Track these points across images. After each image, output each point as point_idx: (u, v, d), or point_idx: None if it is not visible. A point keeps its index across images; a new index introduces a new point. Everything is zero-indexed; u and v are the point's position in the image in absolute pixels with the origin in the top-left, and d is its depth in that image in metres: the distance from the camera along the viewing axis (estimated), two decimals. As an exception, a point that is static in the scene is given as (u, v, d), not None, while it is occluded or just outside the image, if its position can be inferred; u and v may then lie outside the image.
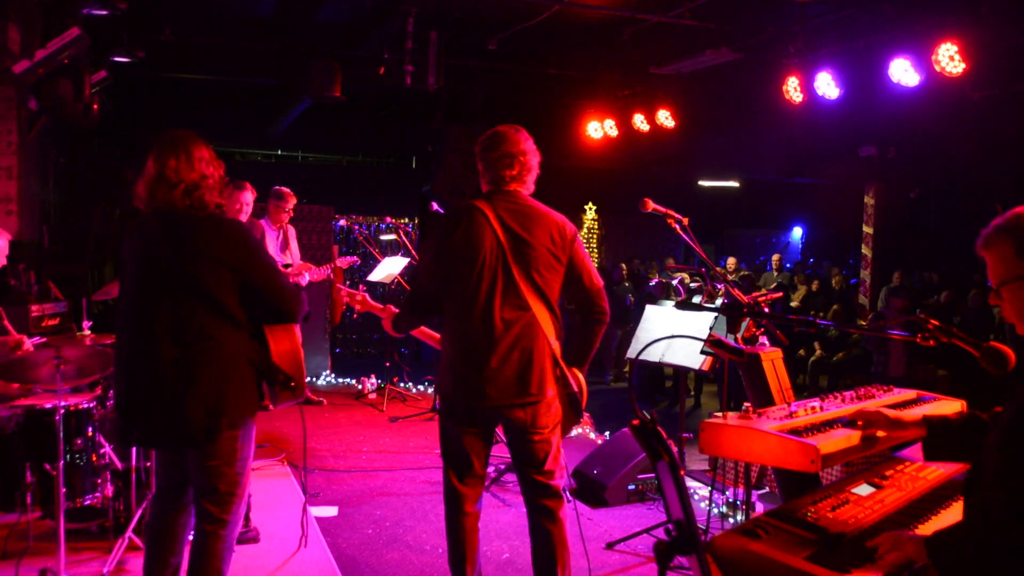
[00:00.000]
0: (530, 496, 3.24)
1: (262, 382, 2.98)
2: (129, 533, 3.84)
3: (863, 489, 2.54)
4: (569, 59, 9.22)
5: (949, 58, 5.84)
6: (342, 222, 11.19)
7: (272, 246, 7.14)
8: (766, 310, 3.89)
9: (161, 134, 2.94)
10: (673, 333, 4.83)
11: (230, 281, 2.84)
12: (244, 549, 4.13)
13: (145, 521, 3.50)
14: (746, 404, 3.17)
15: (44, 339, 4.29)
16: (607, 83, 9.50)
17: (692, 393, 8.83)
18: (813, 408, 2.95)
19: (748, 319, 3.80)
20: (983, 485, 1.93)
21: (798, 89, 6.97)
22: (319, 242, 10.05)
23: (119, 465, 4.08)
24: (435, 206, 8.11)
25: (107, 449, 4.08)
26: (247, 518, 4.26)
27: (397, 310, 3.49)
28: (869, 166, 11.38)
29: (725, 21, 7.27)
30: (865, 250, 11.40)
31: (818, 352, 9.17)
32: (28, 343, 3.93)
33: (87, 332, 4.61)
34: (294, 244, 7.34)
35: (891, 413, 2.58)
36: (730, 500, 4.83)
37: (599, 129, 9.72)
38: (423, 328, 3.59)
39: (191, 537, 3.01)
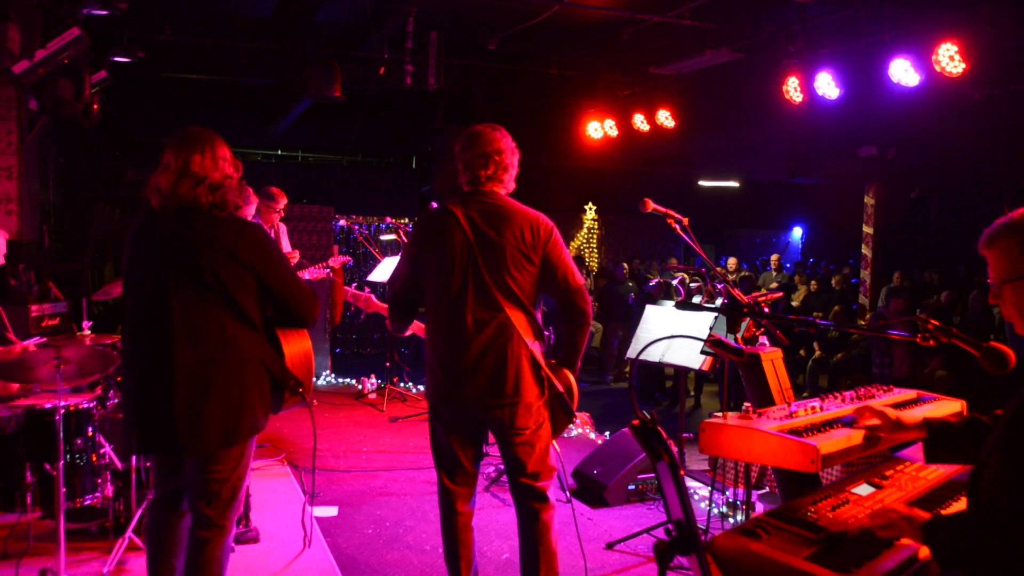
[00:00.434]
0: (516, 499, 3.24)
1: (274, 388, 2.92)
2: (129, 533, 3.84)
3: (863, 489, 2.54)
4: (569, 59, 9.23)
5: (949, 58, 5.85)
6: (342, 222, 11.19)
7: None
8: (766, 310, 3.89)
9: (182, 129, 2.86)
10: (673, 333, 4.83)
11: (250, 283, 2.78)
12: (244, 549, 4.13)
13: (145, 522, 3.48)
14: (746, 404, 3.18)
15: (44, 339, 4.29)
16: (607, 83, 9.51)
17: (692, 393, 8.83)
18: (813, 408, 2.95)
19: (748, 319, 3.79)
20: (984, 484, 1.93)
21: (798, 89, 6.98)
22: (319, 242, 10.05)
23: (119, 465, 4.08)
24: (435, 206, 8.09)
25: (107, 449, 4.09)
26: (247, 518, 4.26)
27: None
28: (869, 166, 11.38)
29: (725, 21, 7.28)
30: (865, 250, 11.41)
31: (817, 352, 9.17)
32: (29, 343, 3.92)
33: (87, 332, 4.60)
34: (286, 242, 7.36)
35: (893, 414, 2.56)
36: (730, 500, 4.82)
37: (599, 129, 9.72)
38: (419, 324, 3.59)
39: (188, 544, 2.96)
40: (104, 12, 5.92)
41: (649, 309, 5.40)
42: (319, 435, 6.71)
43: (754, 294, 4.13)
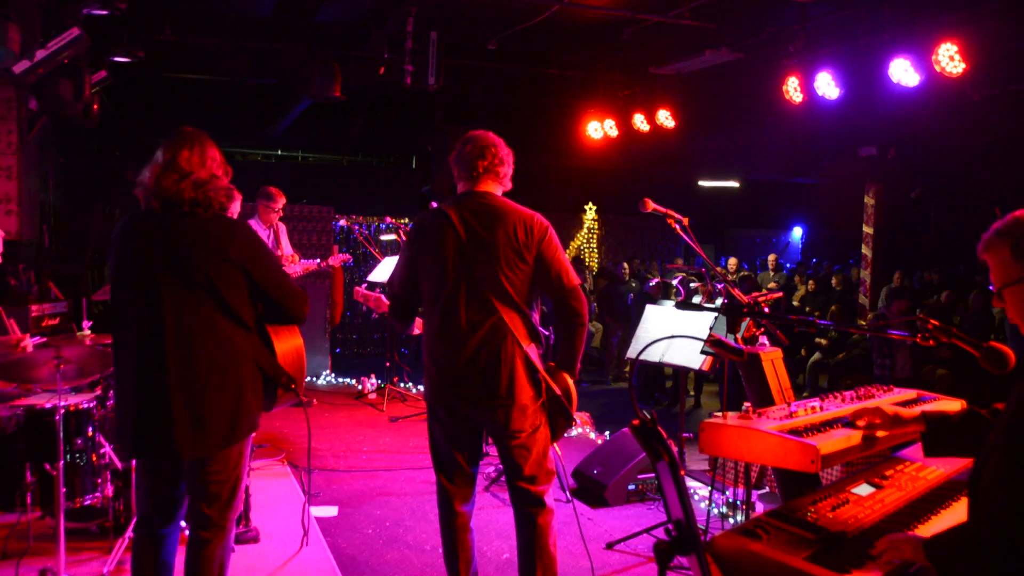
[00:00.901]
0: (514, 502, 3.23)
1: (267, 385, 2.92)
2: (129, 533, 3.84)
3: (863, 489, 2.54)
4: (569, 59, 9.23)
5: (949, 58, 5.85)
6: (342, 222, 11.19)
7: None
8: (766, 310, 3.89)
9: (176, 129, 2.86)
10: (673, 333, 4.83)
11: (241, 283, 2.77)
12: (244, 549, 4.13)
13: (129, 542, 3.38)
14: (746, 404, 3.18)
15: (44, 339, 4.29)
16: (607, 83, 9.50)
17: (692, 393, 8.83)
18: (813, 408, 2.95)
19: (748, 319, 3.80)
20: (984, 485, 1.93)
21: (798, 89, 6.97)
22: (319, 242, 10.05)
23: (119, 465, 4.08)
24: (435, 206, 8.10)
25: (107, 449, 4.08)
26: (247, 518, 4.26)
27: None
28: (869, 166, 11.38)
29: (725, 21, 7.28)
30: (865, 250, 11.40)
31: (817, 353, 9.17)
32: (29, 342, 3.91)
33: (87, 332, 4.60)
34: (285, 241, 7.38)
35: (891, 410, 2.57)
36: (730, 500, 4.82)
37: (599, 129, 9.72)
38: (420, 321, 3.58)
39: (186, 546, 2.93)
40: (104, 12, 5.91)
41: (649, 309, 5.40)
42: (319, 435, 6.71)
43: (754, 294, 4.13)
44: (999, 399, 2.26)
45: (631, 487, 5.13)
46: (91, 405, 4.01)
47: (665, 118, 8.78)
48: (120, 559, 3.82)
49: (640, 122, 9.08)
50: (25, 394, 4.24)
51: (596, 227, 14.84)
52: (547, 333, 3.30)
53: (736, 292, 4.21)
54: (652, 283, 9.28)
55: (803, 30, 6.94)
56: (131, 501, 4.03)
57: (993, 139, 9.87)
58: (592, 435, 6.87)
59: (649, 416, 1.72)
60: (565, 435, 6.71)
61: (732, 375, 4.37)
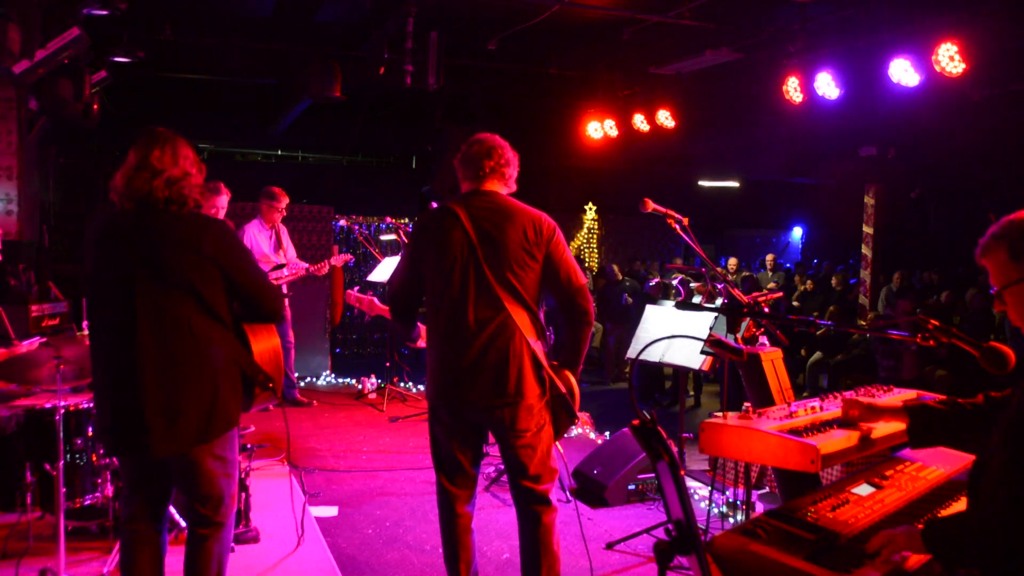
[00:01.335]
0: (517, 502, 3.22)
1: (245, 384, 2.91)
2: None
3: (863, 489, 2.54)
4: (569, 59, 9.23)
5: (949, 58, 5.85)
6: (342, 222, 11.20)
7: (266, 245, 7.21)
8: (766, 310, 3.89)
9: (146, 129, 2.85)
10: (673, 333, 4.83)
11: (216, 279, 2.77)
12: (244, 549, 4.13)
13: (116, 547, 3.37)
14: (746, 404, 3.17)
15: (44, 339, 4.29)
16: (607, 83, 9.50)
17: (692, 393, 8.83)
18: (813, 408, 2.95)
19: (748, 319, 3.80)
20: (985, 485, 1.94)
21: (798, 89, 6.97)
22: (319, 242, 10.05)
23: (119, 465, 4.08)
24: (435, 206, 8.11)
25: (107, 449, 4.08)
26: (247, 518, 4.26)
27: None
28: (869, 166, 11.38)
29: (725, 21, 7.28)
30: (865, 250, 11.40)
31: (818, 353, 9.17)
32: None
33: (87, 332, 4.59)
34: (288, 243, 7.39)
35: (865, 400, 2.71)
36: (730, 500, 4.83)
37: (599, 129, 9.72)
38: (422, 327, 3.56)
39: (185, 544, 2.94)
40: (104, 12, 5.91)
41: (649, 309, 5.40)
42: (319, 435, 6.72)
43: (754, 294, 4.13)
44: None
45: (631, 487, 5.13)
46: (91, 405, 4.00)
47: (665, 118, 8.78)
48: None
49: (640, 122, 9.08)
50: (25, 394, 4.24)
51: (596, 227, 14.84)
52: (547, 331, 3.30)
53: (736, 292, 4.21)
54: (652, 283, 9.29)
55: (803, 30, 6.94)
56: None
57: (993, 139, 9.87)
58: (592, 435, 6.87)
59: (649, 416, 1.72)
60: (565, 435, 6.72)
61: (732, 375, 4.38)
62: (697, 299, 6.93)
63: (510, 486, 3.26)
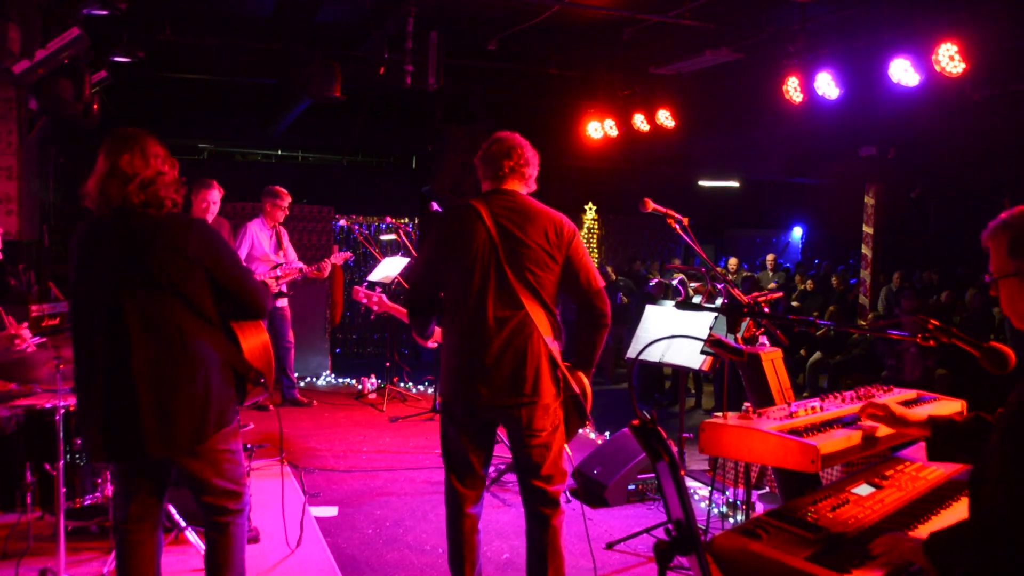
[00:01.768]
0: (526, 501, 3.22)
1: (236, 381, 2.93)
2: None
3: (863, 489, 2.54)
4: (569, 59, 9.22)
5: (949, 58, 5.84)
6: (342, 222, 11.20)
7: (266, 244, 7.22)
8: (766, 310, 3.89)
9: (112, 131, 2.84)
10: (673, 333, 4.83)
11: (202, 279, 2.78)
12: (244, 549, 4.13)
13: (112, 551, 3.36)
14: (746, 404, 3.17)
15: (44, 339, 4.29)
16: (607, 83, 9.50)
17: (692, 393, 8.82)
18: (813, 408, 2.95)
19: (748, 319, 3.80)
20: (985, 485, 1.94)
21: (798, 89, 6.97)
22: (319, 242, 10.05)
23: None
24: (435, 206, 8.12)
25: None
26: (247, 518, 4.25)
27: None
28: (869, 166, 11.38)
29: (725, 21, 7.27)
30: (865, 250, 11.40)
31: (818, 353, 9.17)
32: (27, 335, 3.85)
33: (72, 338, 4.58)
34: (288, 244, 7.40)
35: (898, 410, 2.60)
36: (730, 500, 4.83)
37: (599, 129, 9.71)
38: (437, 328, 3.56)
39: (204, 538, 2.98)
40: (104, 12, 5.91)
41: (649, 309, 5.40)
42: (319, 435, 6.72)
43: (754, 294, 4.13)
44: (999, 399, 2.26)
45: (631, 487, 5.13)
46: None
47: (665, 118, 8.77)
48: (120, 559, 3.82)
49: (640, 122, 9.07)
50: (25, 394, 4.24)
51: (596, 227, 14.84)
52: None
53: (736, 292, 4.21)
54: (653, 283, 9.28)
55: (803, 30, 6.94)
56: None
57: (993, 139, 9.86)
58: (592, 435, 6.86)
59: (649, 416, 1.72)
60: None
61: (732, 375, 4.37)
62: (697, 299, 6.93)
63: (520, 486, 3.25)
